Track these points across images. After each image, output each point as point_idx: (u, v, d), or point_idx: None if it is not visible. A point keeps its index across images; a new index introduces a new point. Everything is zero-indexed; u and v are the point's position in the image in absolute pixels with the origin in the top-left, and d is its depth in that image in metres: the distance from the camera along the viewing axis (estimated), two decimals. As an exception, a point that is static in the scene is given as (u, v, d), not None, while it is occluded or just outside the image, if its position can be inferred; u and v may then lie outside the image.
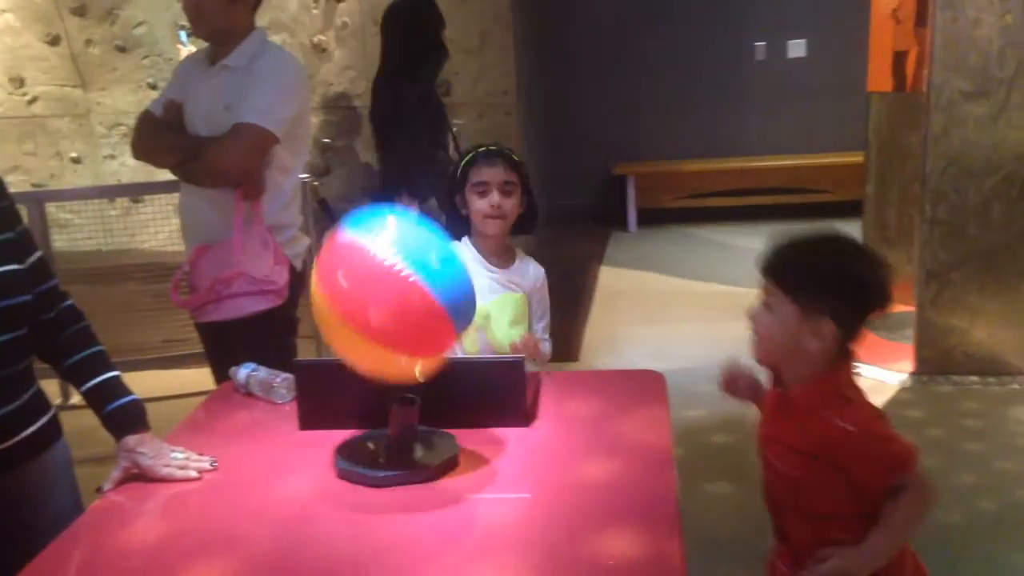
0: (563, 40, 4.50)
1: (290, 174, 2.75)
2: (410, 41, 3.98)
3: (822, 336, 1.56)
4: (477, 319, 1.84)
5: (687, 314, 5.29)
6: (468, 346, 2.26)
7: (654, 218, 7.46)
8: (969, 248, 4.09)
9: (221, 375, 2.57)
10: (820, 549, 1.58)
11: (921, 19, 4.60)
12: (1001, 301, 4.13)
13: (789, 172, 7.45)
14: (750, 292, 1.70)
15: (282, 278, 2.65)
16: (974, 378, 4.15)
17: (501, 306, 2.36)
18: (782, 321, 1.57)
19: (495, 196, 2.31)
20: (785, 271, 1.59)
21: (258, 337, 2.56)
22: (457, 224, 2.40)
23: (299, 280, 2.78)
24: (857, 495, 1.59)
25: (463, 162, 2.38)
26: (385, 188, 4.08)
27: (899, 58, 5.00)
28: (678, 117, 7.63)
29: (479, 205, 2.32)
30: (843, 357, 1.61)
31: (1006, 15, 3.83)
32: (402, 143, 3.94)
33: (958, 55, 3.90)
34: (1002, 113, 3.91)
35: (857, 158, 5.65)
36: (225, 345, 2.63)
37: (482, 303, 1.92)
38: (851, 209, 6.01)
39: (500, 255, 2.41)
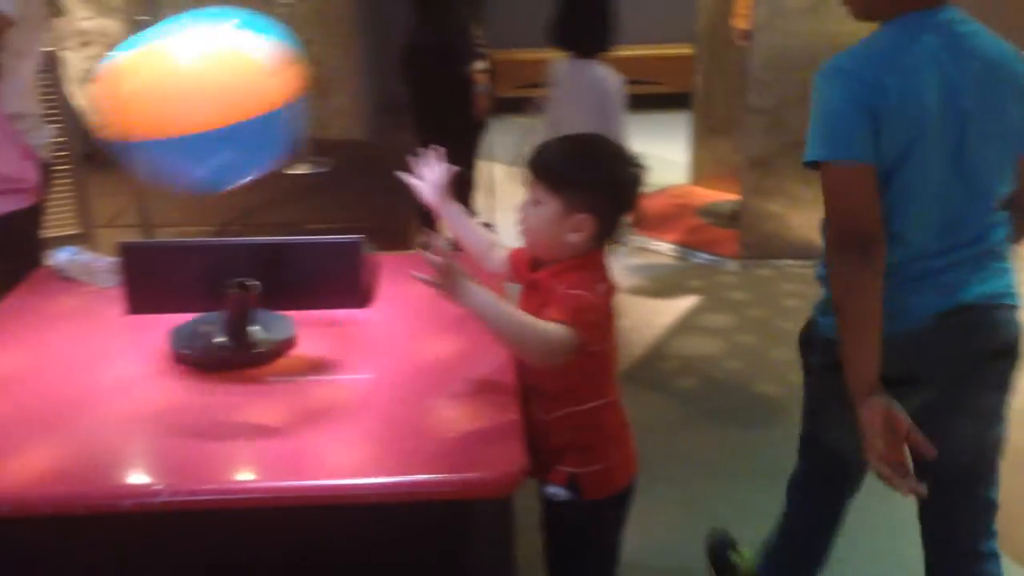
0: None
1: (27, 59, 2.51)
2: None
3: (583, 230, 1.62)
4: None
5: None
6: None
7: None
8: (788, 138, 4.26)
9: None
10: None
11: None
12: (816, 189, 4.33)
13: (622, 62, 7.53)
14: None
15: (33, 174, 2.44)
16: (792, 262, 4.39)
17: None
18: (547, 216, 1.63)
19: None
20: (550, 170, 1.65)
21: (15, 239, 2.37)
22: None
23: (47, 174, 2.56)
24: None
25: None
26: None
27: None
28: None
29: None
30: (599, 247, 1.68)
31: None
32: None
33: (784, -53, 3.99)
34: (821, 5, 4.05)
35: (687, 49, 5.77)
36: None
37: None
38: (681, 100, 6.15)
39: None
